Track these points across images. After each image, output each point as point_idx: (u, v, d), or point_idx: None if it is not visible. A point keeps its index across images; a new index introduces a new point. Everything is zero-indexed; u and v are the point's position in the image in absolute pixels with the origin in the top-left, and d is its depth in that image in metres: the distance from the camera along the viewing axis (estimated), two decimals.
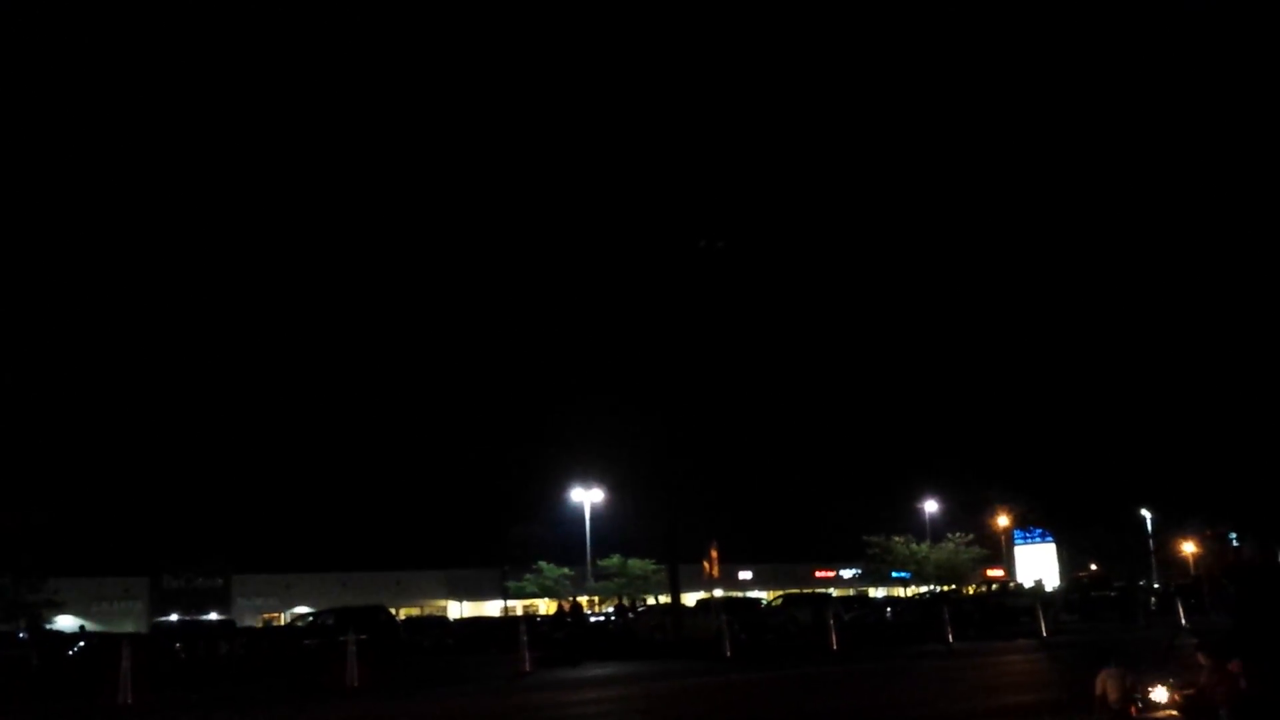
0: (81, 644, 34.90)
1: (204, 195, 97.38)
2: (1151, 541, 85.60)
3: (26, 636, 38.67)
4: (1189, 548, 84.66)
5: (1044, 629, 33.26)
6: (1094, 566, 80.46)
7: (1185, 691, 10.98)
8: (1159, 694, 11.41)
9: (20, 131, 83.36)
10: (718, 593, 62.90)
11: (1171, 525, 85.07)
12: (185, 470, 73.24)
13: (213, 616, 56.73)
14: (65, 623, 52.01)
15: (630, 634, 37.35)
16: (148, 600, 60.99)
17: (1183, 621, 35.26)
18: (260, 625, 53.19)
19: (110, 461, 71.28)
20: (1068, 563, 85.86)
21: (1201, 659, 11.19)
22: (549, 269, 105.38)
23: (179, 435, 75.28)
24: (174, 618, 56.26)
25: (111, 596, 59.15)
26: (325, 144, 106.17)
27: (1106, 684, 11.86)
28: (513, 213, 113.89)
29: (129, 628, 49.30)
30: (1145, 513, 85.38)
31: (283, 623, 55.29)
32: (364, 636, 26.26)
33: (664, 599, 46.03)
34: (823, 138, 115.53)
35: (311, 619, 36.52)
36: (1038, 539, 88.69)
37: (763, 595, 60.78)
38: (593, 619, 48.94)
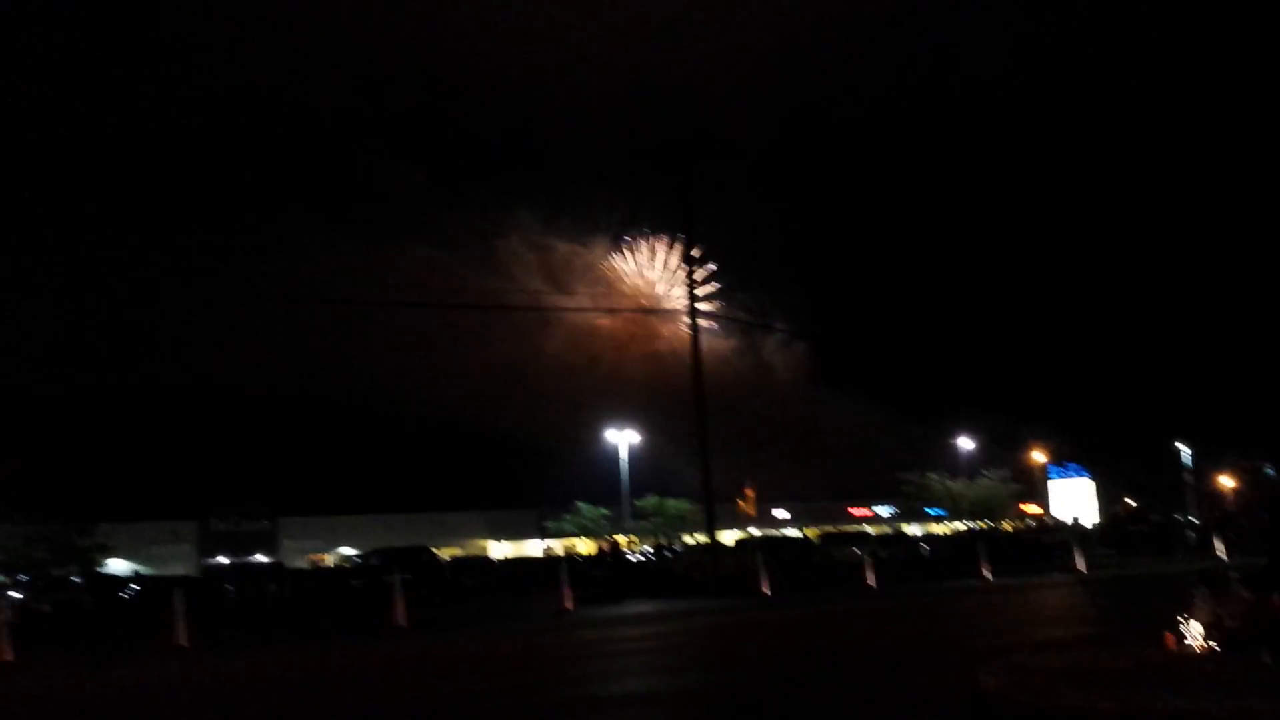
0: (135, 587, 35.93)
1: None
2: (1189, 475, 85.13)
3: (80, 581, 39.76)
4: (1226, 481, 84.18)
5: (1081, 564, 33.38)
6: (1130, 501, 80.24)
7: (1227, 625, 11.08)
8: (1196, 626, 11.52)
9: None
10: (754, 531, 63.62)
11: (1208, 459, 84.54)
12: (231, 415, 74.50)
13: (260, 559, 57.98)
14: (117, 567, 53.32)
15: (669, 573, 37.83)
16: (196, 543, 62.31)
17: (1222, 555, 35.29)
18: (307, 567, 54.27)
19: (158, 408, 72.66)
20: (1104, 498, 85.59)
21: (1243, 593, 11.27)
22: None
23: (224, 382, 76.46)
24: (223, 560, 57.55)
25: (161, 540, 60.39)
26: None
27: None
28: None
29: (179, 570, 50.53)
30: (1182, 446, 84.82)
31: (329, 564, 56.40)
32: (409, 576, 26.82)
33: (701, 538, 46.48)
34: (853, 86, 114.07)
35: (358, 560, 37.28)
36: (1074, 474, 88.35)
37: (799, 534, 61.19)
38: (631, 558, 49.56)
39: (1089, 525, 65.68)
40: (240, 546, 61.11)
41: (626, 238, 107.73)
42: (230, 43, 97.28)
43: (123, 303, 65.68)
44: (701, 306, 52.40)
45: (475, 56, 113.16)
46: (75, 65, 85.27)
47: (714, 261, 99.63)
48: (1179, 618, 11.76)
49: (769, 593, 29.12)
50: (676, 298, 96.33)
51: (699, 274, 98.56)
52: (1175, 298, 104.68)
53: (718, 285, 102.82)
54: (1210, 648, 11.09)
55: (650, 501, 69.57)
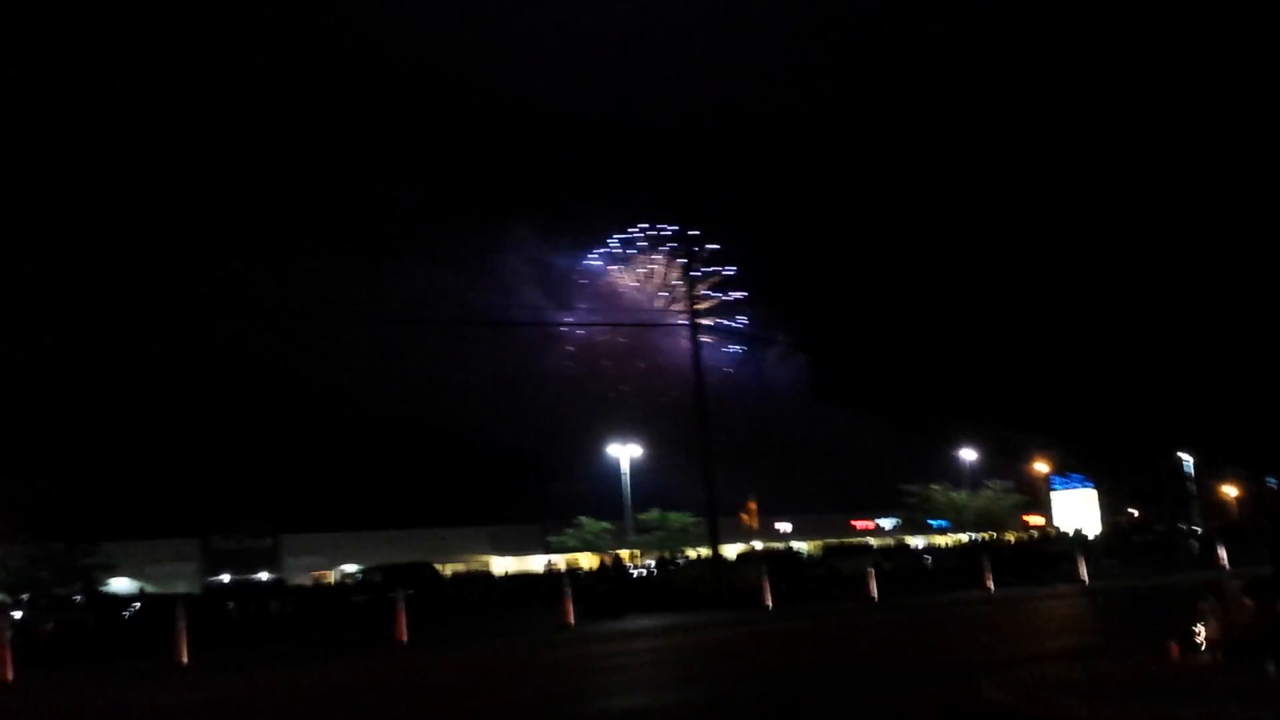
0: (137, 605, 35.84)
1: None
2: (1192, 485, 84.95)
3: (83, 600, 39.68)
4: (1230, 491, 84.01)
5: (1084, 574, 33.29)
6: (1134, 511, 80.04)
7: (1232, 634, 11.03)
8: (1201, 636, 11.48)
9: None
10: (757, 545, 63.45)
11: (1211, 469, 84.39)
12: (232, 434, 74.55)
13: (263, 576, 57.85)
14: (119, 585, 53.23)
15: (671, 586, 37.74)
16: (199, 561, 62.19)
17: (1225, 564, 35.19)
18: (310, 584, 54.14)
19: (159, 427, 72.71)
20: (1108, 508, 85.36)
21: (1246, 601, 11.23)
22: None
23: (225, 400, 76.58)
24: (225, 578, 57.40)
25: (163, 559, 60.29)
26: None
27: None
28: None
29: (181, 589, 50.37)
30: (1185, 456, 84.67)
31: (331, 581, 56.27)
32: (411, 592, 26.77)
33: (704, 551, 46.39)
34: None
35: (360, 576, 37.20)
36: (1077, 484, 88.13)
37: (802, 546, 61.08)
38: (634, 572, 49.43)
39: (1092, 535, 65.50)
40: (243, 564, 60.99)
41: (627, 251, 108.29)
42: (233, 60, 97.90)
43: (122, 320, 65.85)
44: (703, 322, 52.41)
45: (473, 70, 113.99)
46: (81, 79, 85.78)
47: (714, 276, 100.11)
48: (1183, 628, 11.72)
49: (772, 605, 29.04)
50: (677, 311, 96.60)
51: (707, 283, 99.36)
52: (1179, 309, 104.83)
53: (719, 298, 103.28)
54: (1215, 657, 11.04)
55: (653, 515, 69.40)
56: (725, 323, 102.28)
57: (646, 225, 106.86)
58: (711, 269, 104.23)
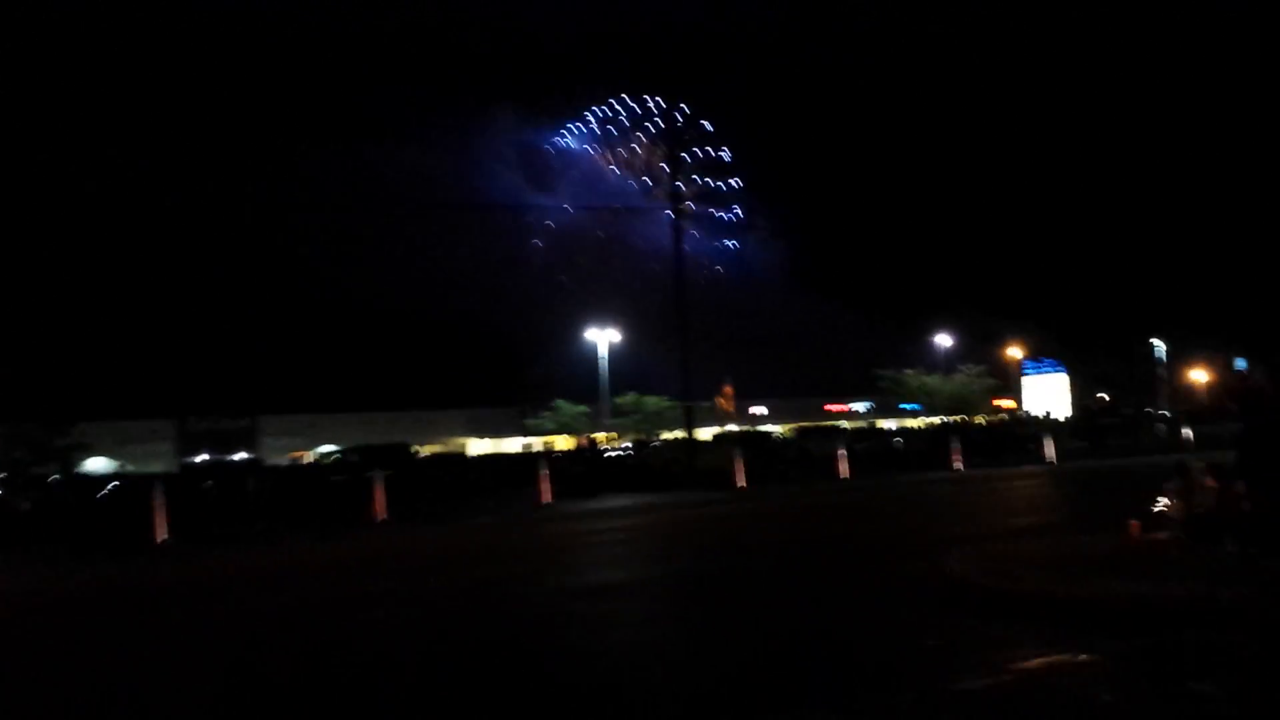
0: (114, 484, 35.93)
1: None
2: (1161, 370, 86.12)
3: (59, 479, 39.81)
4: (1199, 376, 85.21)
5: (1051, 455, 33.86)
6: (1103, 395, 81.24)
7: (1194, 513, 11.22)
8: (1163, 515, 11.68)
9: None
10: (732, 427, 64.18)
11: (1181, 354, 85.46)
12: (209, 314, 74.13)
13: (240, 456, 58.15)
14: (96, 465, 53.40)
15: (646, 468, 38.16)
16: (175, 442, 62.41)
17: (1191, 447, 35.86)
18: (287, 464, 54.43)
19: (135, 307, 72.14)
20: (1079, 393, 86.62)
21: (1209, 482, 11.41)
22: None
23: (203, 281, 75.89)
24: (203, 458, 57.71)
25: (139, 439, 60.41)
26: None
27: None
28: None
29: (157, 469, 50.67)
30: (1156, 342, 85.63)
31: (309, 461, 56.60)
32: (389, 472, 26.93)
33: (679, 434, 46.87)
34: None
35: (338, 456, 37.36)
36: (1049, 369, 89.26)
37: (776, 429, 61.79)
38: (610, 454, 49.94)
39: (1061, 419, 66.54)
40: (220, 444, 61.28)
41: (608, 128, 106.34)
42: None
43: (101, 200, 64.70)
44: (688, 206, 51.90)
45: None
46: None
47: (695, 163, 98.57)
48: (1145, 507, 11.93)
49: (744, 486, 29.47)
50: (659, 197, 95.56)
51: (693, 169, 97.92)
52: (1150, 193, 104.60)
53: (705, 185, 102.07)
54: (1176, 536, 11.26)
55: (629, 399, 69.93)
56: (713, 211, 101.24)
57: (629, 98, 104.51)
58: (699, 152, 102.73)
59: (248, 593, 14.01)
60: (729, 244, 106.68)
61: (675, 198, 40.62)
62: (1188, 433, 39.69)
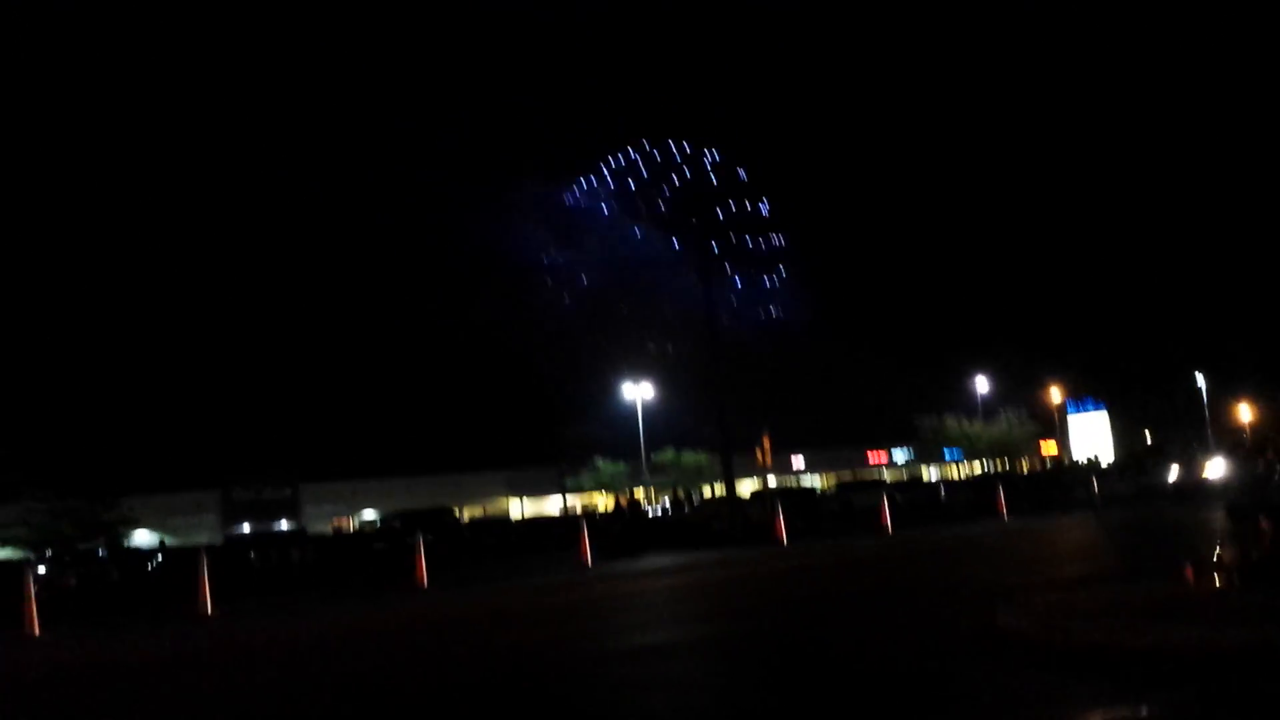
0: (159, 558, 36.30)
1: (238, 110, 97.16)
2: (1205, 410, 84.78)
3: (106, 554, 40.19)
4: (1245, 413, 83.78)
5: (1098, 502, 33.36)
6: (1148, 436, 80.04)
7: (1250, 557, 10.98)
8: (1218, 559, 11.44)
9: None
10: (771, 480, 63.80)
11: (1226, 389, 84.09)
12: (249, 384, 74.96)
13: (283, 525, 58.47)
14: (141, 538, 53.84)
15: (686, 524, 38.01)
16: (219, 513, 62.85)
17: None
18: (330, 532, 54.71)
19: (177, 380, 73.14)
20: (1121, 432, 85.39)
21: (1263, 524, 11.17)
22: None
23: (240, 353, 76.87)
24: (246, 528, 58.10)
25: (184, 511, 60.92)
26: None
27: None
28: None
29: (203, 540, 51.09)
30: (1199, 377, 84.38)
31: (351, 529, 56.84)
32: (430, 538, 27.02)
33: (719, 489, 46.66)
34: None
35: (380, 524, 37.55)
36: (1090, 408, 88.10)
37: (816, 482, 61.39)
38: (649, 512, 49.78)
39: (1106, 462, 65.57)
40: (263, 514, 61.63)
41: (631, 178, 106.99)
42: None
43: (142, 272, 65.91)
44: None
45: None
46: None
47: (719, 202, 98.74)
48: (1198, 552, 11.72)
49: (786, 541, 29.22)
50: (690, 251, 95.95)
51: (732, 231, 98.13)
52: (1194, 229, 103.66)
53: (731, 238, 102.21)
54: (1232, 581, 11.03)
55: (667, 454, 69.76)
56: (748, 265, 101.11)
57: (657, 149, 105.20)
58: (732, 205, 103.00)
59: (291, 660, 14.02)
60: (764, 291, 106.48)
61: (705, 245, 40.70)
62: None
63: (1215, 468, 33.68)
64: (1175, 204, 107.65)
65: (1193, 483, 35.66)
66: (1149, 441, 77.11)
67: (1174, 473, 40.56)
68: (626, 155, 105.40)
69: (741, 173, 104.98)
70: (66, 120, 78.91)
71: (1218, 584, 11.11)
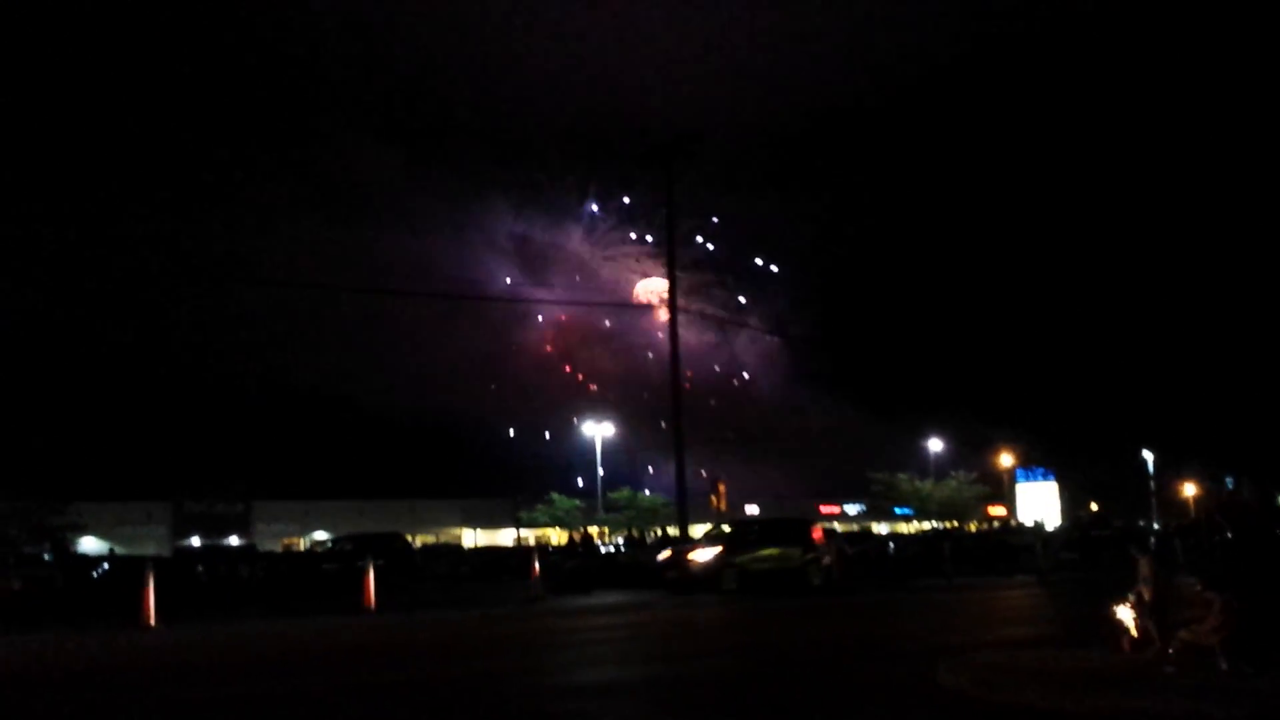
0: (106, 566, 35.85)
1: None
2: (1152, 483, 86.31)
3: (52, 559, 39.56)
4: (1189, 489, 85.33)
5: (1043, 566, 33.88)
6: (1094, 506, 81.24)
7: (1186, 627, 11.28)
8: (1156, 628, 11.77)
9: None
10: (725, 527, 63.99)
11: (1171, 467, 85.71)
12: (207, 398, 74.31)
13: (234, 541, 57.84)
14: (89, 545, 53.05)
15: (639, 565, 38.03)
16: (170, 525, 62.07)
17: (1180, 560, 35.86)
18: (280, 550, 54.22)
19: (134, 388, 72.35)
20: (1069, 502, 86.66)
21: (1210, 595, 11.48)
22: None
23: (202, 364, 76.29)
24: (196, 542, 57.42)
25: (135, 520, 60.15)
26: None
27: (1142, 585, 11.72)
28: None
29: (151, 551, 50.44)
30: (1147, 454, 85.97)
31: (302, 548, 56.35)
32: (381, 562, 26.97)
33: (672, 531, 46.81)
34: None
35: (330, 545, 37.35)
36: (1040, 478, 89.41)
37: None
38: (603, 549, 49.82)
39: (1052, 528, 66.40)
40: (214, 528, 60.97)
41: (603, 226, 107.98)
42: (216, 24, 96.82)
43: (97, 283, 65.39)
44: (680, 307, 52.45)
45: (455, 41, 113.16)
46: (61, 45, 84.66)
47: (688, 257, 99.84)
48: (1139, 620, 12.06)
49: (736, 587, 29.40)
50: (653, 291, 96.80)
51: (689, 279, 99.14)
52: (1146, 307, 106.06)
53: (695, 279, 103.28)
54: (1168, 651, 11.39)
55: (623, 494, 69.90)
56: (708, 308, 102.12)
57: (625, 191, 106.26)
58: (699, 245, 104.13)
59: (228, 676, 13.99)
60: (720, 340, 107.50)
61: (672, 293, 41.12)
62: (1177, 547, 39.68)
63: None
64: (1133, 284, 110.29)
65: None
66: (1095, 510, 78.20)
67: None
68: (605, 193, 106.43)
69: (714, 219, 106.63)
70: (23, 123, 78.48)
71: (1153, 655, 11.47)
